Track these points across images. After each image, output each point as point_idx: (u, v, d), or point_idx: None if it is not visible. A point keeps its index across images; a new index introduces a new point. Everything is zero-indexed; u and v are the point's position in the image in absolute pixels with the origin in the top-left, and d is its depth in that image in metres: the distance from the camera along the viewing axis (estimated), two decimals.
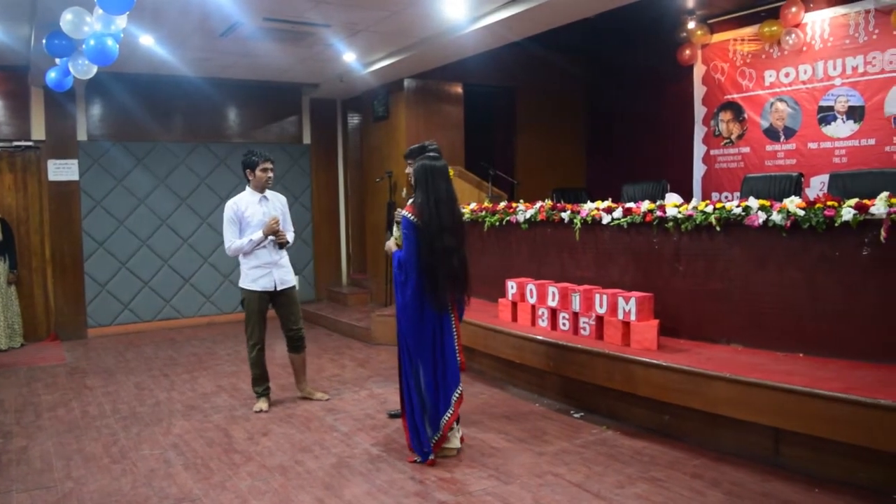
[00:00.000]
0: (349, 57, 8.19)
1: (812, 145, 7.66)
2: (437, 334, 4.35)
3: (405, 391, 4.46)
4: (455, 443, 4.48)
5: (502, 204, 7.04)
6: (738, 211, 4.79)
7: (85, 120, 9.01)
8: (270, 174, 5.60)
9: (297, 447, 4.74)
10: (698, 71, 8.91)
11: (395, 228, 4.98)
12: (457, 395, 4.39)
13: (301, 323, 5.77)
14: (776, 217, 4.57)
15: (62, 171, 8.83)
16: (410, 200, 4.46)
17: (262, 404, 5.61)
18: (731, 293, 4.92)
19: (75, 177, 8.91)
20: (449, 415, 4.35)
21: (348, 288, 10.63)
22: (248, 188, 5.62)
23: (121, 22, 5.07)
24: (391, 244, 4.70)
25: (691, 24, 8.61)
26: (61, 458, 4.64)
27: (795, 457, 4.03)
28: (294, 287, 5.76)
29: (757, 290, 4.77)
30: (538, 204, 6.49)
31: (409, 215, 4.28)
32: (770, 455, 4.14)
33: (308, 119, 10.55)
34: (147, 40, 7.06)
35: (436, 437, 4.36)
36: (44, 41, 5.80)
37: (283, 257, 5.69)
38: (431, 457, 4.35)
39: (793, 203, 4.53)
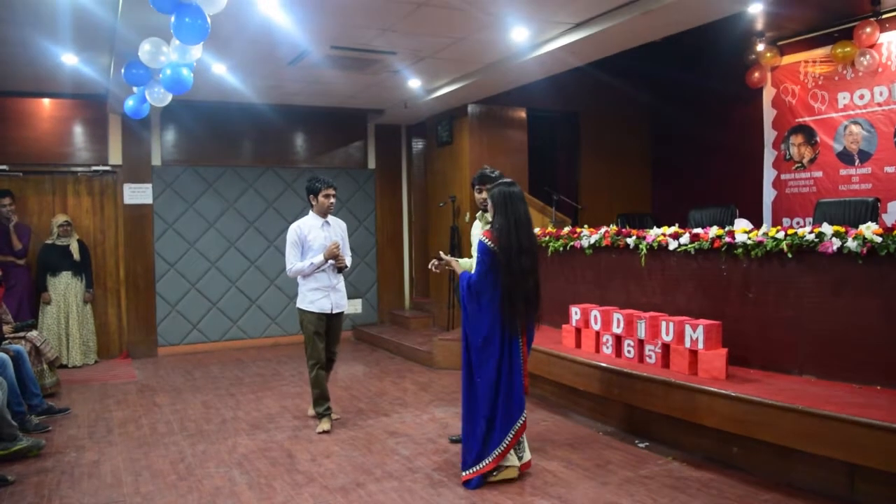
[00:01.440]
0: (414, 83, 8.29)
1: (889, 169, 7.40)
2: (504, 358, 4.34)
3: (465, 410, 4.44)
4: (514, 461, 4.44)
5: (566, 229, 7.00)
6: (810, 237, 4.65)
7: (159, 146, 9.34)
8: (332, 200, 5.75)
9: (358, 469, 4.76)
10: (768, 94, 8.74)
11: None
12: (520, 421, 4.37)
13: (338, 347, 6.02)
14: (851, 244, 4.42)
15: (137, 194, 9.15)
16: (484, 224, 4.51)
17: (325, 425, 5.66)
18: (804, 322, 4.77)
19: (149, 200, 9.22)
20: (509, 440, 4.33)
21: (411, 311, 10.68)
22: (311, 213, 5.80)
23: (196, 52, 5.25)
24: (455, 264, 4.76)
25: (760, 47, 8.46)
26: (131, 474, 4.76)
27: (872, 493, 3.85)
28: (343, 312, 5.92)
29: (831, 319, 4.61)
30: (603, 229, 6.42)
31: (487, 240, 4.32)
32: (845, 491, 3.98)
33: (373, 144, 10.71)
34: (219, 69, 7.29)
35: (488, 461, 4.33)
36: (122, 71, 6.06)
37: (340, 282, 5.84)
38: (466, 474, 4.35)
39: (869, 229, 4.38)
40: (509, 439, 4.33)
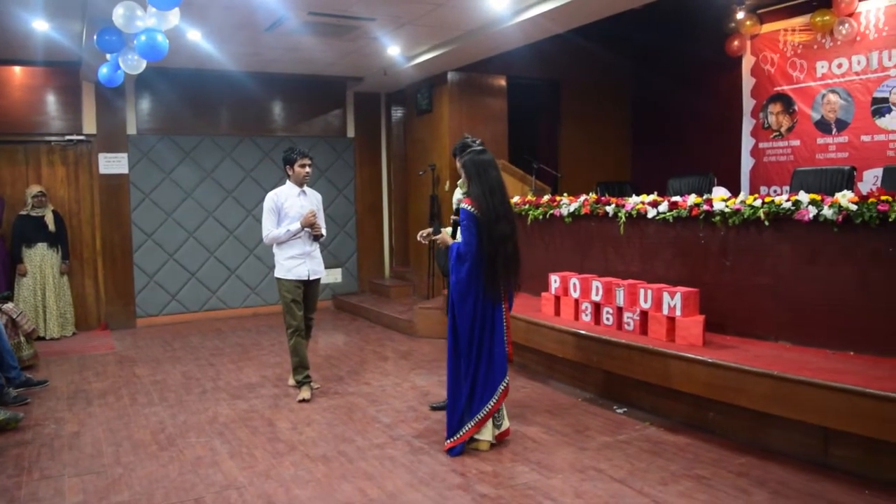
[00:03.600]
0: (393, 50, 8.21)
1: (865, 138, 7.46)
2: (487, 324, 4.36)
3: (451, 379, 4.44)
4: (487, 435, 4.46)
5: (546, 197, 7.00)
6: (787, 205, 4.69)
7: (134, 114, 9.19)
8: (308, 170, 5.82)
9: (339, 438, 4.78)
10: (747, 62, 8.74)
11: (437, 228, 5.02)
12: (502, 386, 4.40)
13: (315, 314, 6.09)
14: (827, 212, 4.46)
15: (112, 164, 9.02)
16: (463, 192, 4.51)
17: (305, 393, 5.69)
18: (780, 289, 4.83)
19: (125, 170, 9.10)
20: (491, 404, 4.36)
21: (391, 280, 10.68)
22: (288, 182, 5.84)
23: (173, 18, 5.15)
24: (447, 237, 4.68)
25: (740, 15, 8.44)
26: (111, 445, 4.75)
27: (845, 457, 3.94)
28: (320, 279, 5.99)
29: (806, 287, 4.67)
30: (582, 197, 6.44)
31: (469, 207, 4.31)
32: (818, 455, 4.06)
33: (352, 113, 10.61)
34: (194, 35, 7.16)
35: (470, 425, 4.36)
36: (94, 37, 5.93)
37: (316, 249, 5.92)
38: (449, 441, 4.39)
39: (845, 197, 4.42)
40: (491, 404, 4.36)
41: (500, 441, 4.55)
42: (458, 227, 4.53)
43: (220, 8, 6.31)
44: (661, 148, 10.24)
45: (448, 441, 4.42)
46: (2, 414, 5.06)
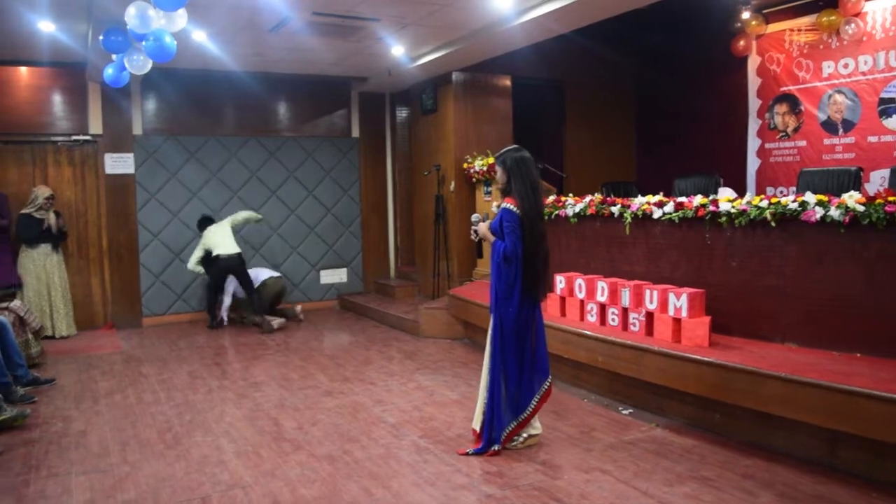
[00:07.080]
0: (398, 51, 8.21)
1: (872, 138, 7.44)
2: (530, 324, 4.38)
3: (492, 380, 4.41)
4: (537, 429, 4.53)
5: (551, 198, 7.00)
6: (794, 206, 4.68)
7: (140, 115, 9.21)
8: None
9: (344, 437, 4.79)
10: (753, 62, 8.72)
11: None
12: (546, 385, 4.43)
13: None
14: (834, 213, 4.45)
15: (118, 164, 9.04)
16: (497, 188, 4.47)
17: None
18: (786, 290, 4.82)
19: (131, 170, 9.12)
20: (534, 404, 4.39)
21: (396, 280, 10.68)
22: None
23: (181, 20, 5.17)
24: (487, 232, 4.49)
25: (746, 14, 8.42)
26: (117, 443, 4.77)
27: (852, 459, 3.93)
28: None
29: (813, 288, 4.66)
30: (587, 198, 6.43)
31: (512, 206, 4.31)
32: (825, 457, 4.05)
33: (357, 112, 10.61)
34: (199, 36, 7.18)
35: (513, 425, 4.38)
36: (100, 38, 5.94)
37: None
38: (496, 447, 4.36)
39: (852, 198, 4.41)
40: (534, 404, 4.40)
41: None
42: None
43: (225, 8, 6.32)
44: (667, 148, 10.22)
45: (492, 447, 4.37)
46: (8, 412, 5.07)
